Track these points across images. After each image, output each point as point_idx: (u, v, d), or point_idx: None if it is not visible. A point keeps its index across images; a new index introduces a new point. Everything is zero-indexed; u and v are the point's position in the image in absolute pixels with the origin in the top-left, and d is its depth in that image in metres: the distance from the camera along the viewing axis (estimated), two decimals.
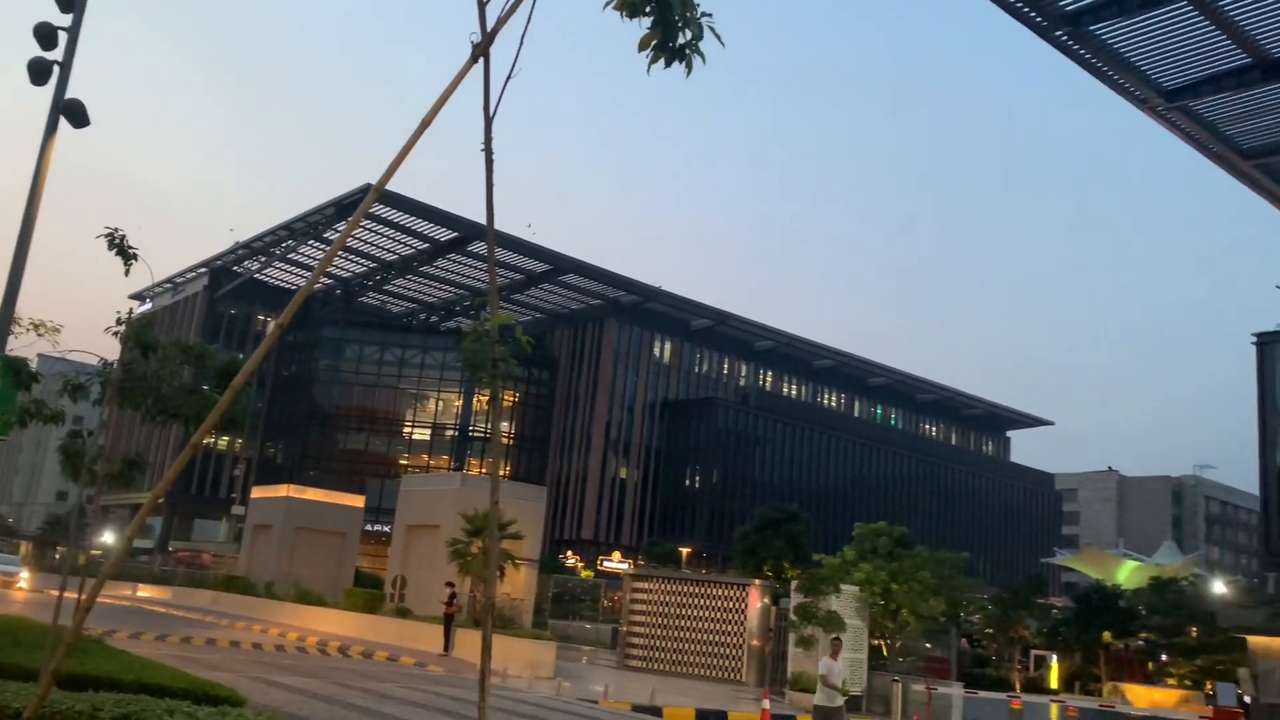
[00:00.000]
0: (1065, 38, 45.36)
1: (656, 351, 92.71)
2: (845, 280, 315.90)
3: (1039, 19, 43.47)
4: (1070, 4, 42.93)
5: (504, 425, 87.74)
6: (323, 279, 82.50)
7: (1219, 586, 59.29)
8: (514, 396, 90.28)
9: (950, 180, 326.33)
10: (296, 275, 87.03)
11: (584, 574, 68.05)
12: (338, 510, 45.03)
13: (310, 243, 79.39)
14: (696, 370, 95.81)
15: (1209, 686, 41.18)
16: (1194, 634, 47.84)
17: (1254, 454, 58.18)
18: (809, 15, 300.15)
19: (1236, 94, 49.25)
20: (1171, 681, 47.92)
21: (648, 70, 5.38)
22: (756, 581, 29.11)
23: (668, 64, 5.33)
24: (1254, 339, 58.71)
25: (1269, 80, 47.38)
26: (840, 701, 14.41)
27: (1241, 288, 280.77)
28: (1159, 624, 50.24)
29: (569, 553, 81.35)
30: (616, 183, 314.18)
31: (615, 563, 74.96)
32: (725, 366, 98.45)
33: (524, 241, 76.29)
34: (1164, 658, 50.69)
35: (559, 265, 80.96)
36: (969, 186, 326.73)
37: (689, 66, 5.33)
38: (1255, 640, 20.10)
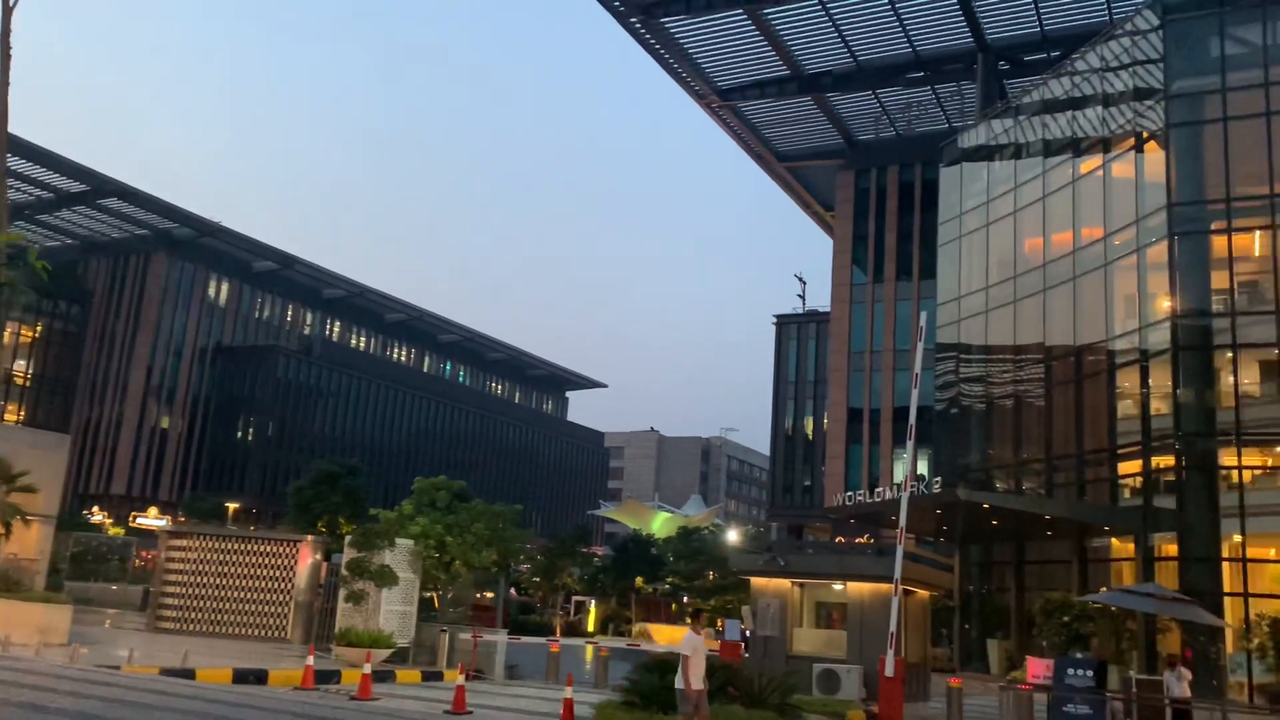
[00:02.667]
0: (639, 25, 48.58)
1: (212, 292, 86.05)
2: (425, 238, 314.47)
3: (617, 3, 46.08)
4: None
5: (18, 363, 76.75)
6: None
7: (732, 535, 67.26)
8: (33, 331, 79.18)
9: (528, 158, 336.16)
10: None
11: (113, 531, 61.82)
12: None
13: None
14: (257, 315, 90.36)
15: (719, 624, 46.71)
16: (711, 577, 53.84)
17: (769, 419, 66.86)
18: None
19: (777, 102, 55.95)
20: (690, 620, 53.64)
21: None
22: (309, 537, 28.22)
23: None
24: (774, 320, 67.42)
25: (804, 93, 54.21)
26: (701, 685, 12.40)
27: (769, 274, 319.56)
28: (684, 569, 55.85)
29: (96, 508, 73.51)
30: (182, 113, 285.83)
31: (151, 519, 68.86)
32: (289, 313, 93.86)
33: (55, 155, 66.74)
34: (686, 599, 56.50)
35: (99, 187, 71.82)
36: (543, 166, 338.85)
37: None
38: (756, 581, 23.10)
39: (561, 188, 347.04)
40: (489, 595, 40.37)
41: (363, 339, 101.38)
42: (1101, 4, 43.22)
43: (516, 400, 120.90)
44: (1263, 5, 31.13)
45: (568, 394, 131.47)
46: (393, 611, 24.67)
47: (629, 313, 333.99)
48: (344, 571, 24.61)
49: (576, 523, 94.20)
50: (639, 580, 55.49)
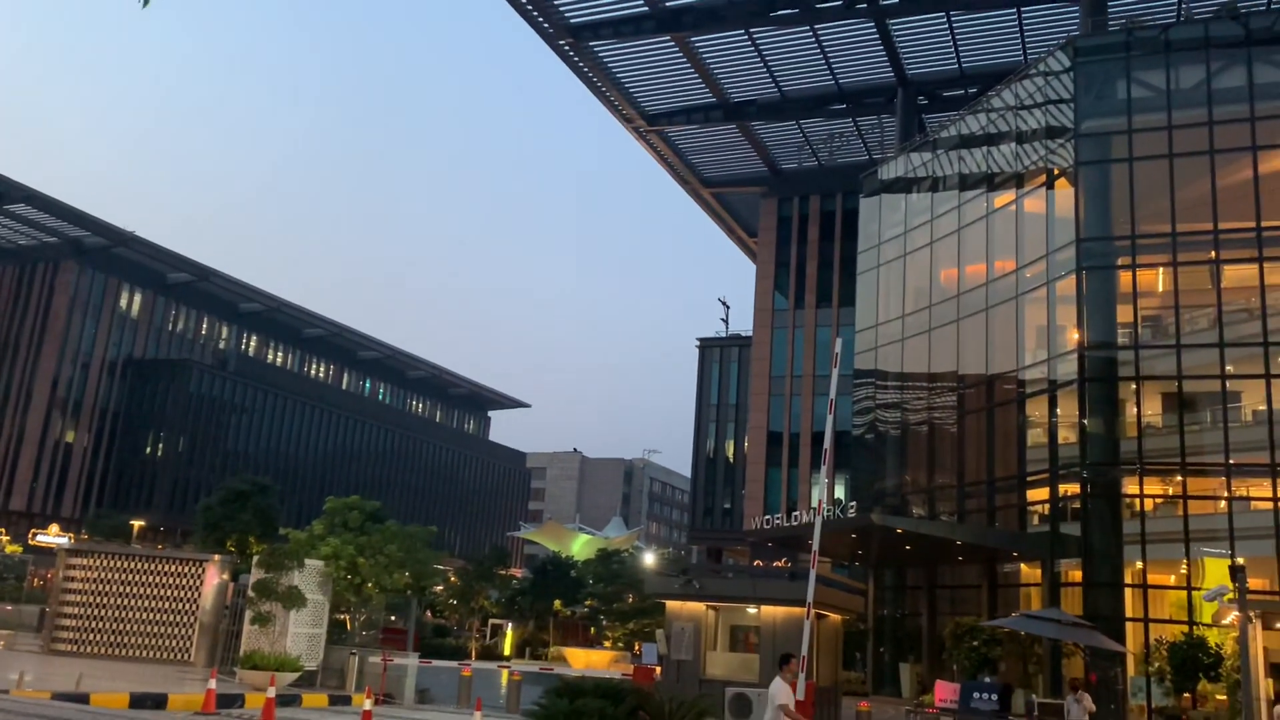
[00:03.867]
0: (567, 48, 48.77)
1: (123, 303, 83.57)
2: (345, 254, 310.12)
3: (546, 25, 46.26)
4: (574, 17, 46.28)
5: None
6: None
7: (649, 557, 67.15)
8: None
9: (452, 174, 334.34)
10: None
11: (10, 549, 59.39)
12: None
13: None
14: (170, 328, 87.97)
15: (637, 647, 46.50)
16: (630, 600, 53.59)
17: (691, 442, 67.08)
18: None
19: (703, 128, 56.52)
20: (608, 643, 53.27)
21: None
22: (216, 557, 27.42)
23: None
24: (697, 343, 67.77)
25: (729, 120, 54.87)
26: None
27: (694, 297, 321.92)
28: (602, 591, 55.50)
29: None
30: (95, 120, 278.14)
31: (52, 536, 66.24)
32: (204, 326, 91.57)
33: None
34: (604, 622, 56.14)
35: (5, 191, 69.55)
36: (467, 182, 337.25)
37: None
38: (671, 605, 23.08)
39: (486, 205, 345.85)
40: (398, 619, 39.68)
41: (280, 354, 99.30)
42: (1017, 44, 44.64)
43: (438, 419, 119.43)
44: (1166, 52, 32.48)
45: (490, 414, 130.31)
46: (301, 634, 24.10)
47: (554, 333, 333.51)
48: (250, 593, 24.00)
49: (496, 544, 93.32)
50: (557, 603, 54.92)
